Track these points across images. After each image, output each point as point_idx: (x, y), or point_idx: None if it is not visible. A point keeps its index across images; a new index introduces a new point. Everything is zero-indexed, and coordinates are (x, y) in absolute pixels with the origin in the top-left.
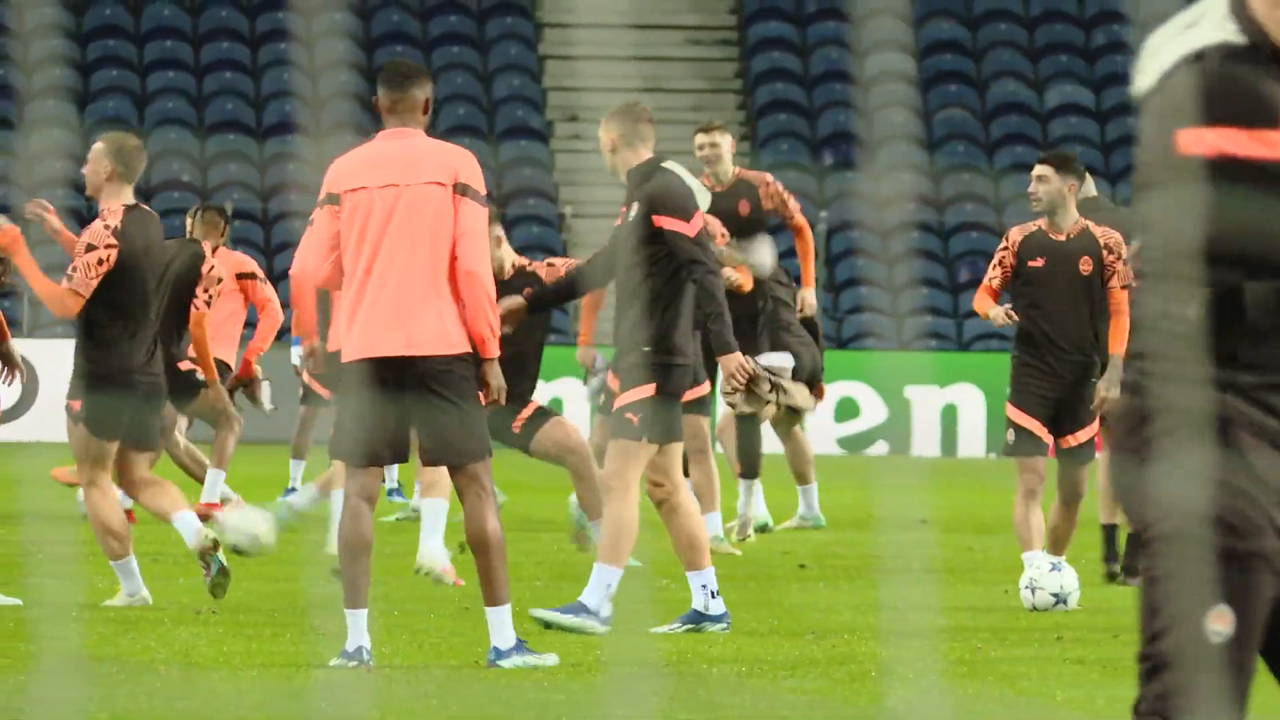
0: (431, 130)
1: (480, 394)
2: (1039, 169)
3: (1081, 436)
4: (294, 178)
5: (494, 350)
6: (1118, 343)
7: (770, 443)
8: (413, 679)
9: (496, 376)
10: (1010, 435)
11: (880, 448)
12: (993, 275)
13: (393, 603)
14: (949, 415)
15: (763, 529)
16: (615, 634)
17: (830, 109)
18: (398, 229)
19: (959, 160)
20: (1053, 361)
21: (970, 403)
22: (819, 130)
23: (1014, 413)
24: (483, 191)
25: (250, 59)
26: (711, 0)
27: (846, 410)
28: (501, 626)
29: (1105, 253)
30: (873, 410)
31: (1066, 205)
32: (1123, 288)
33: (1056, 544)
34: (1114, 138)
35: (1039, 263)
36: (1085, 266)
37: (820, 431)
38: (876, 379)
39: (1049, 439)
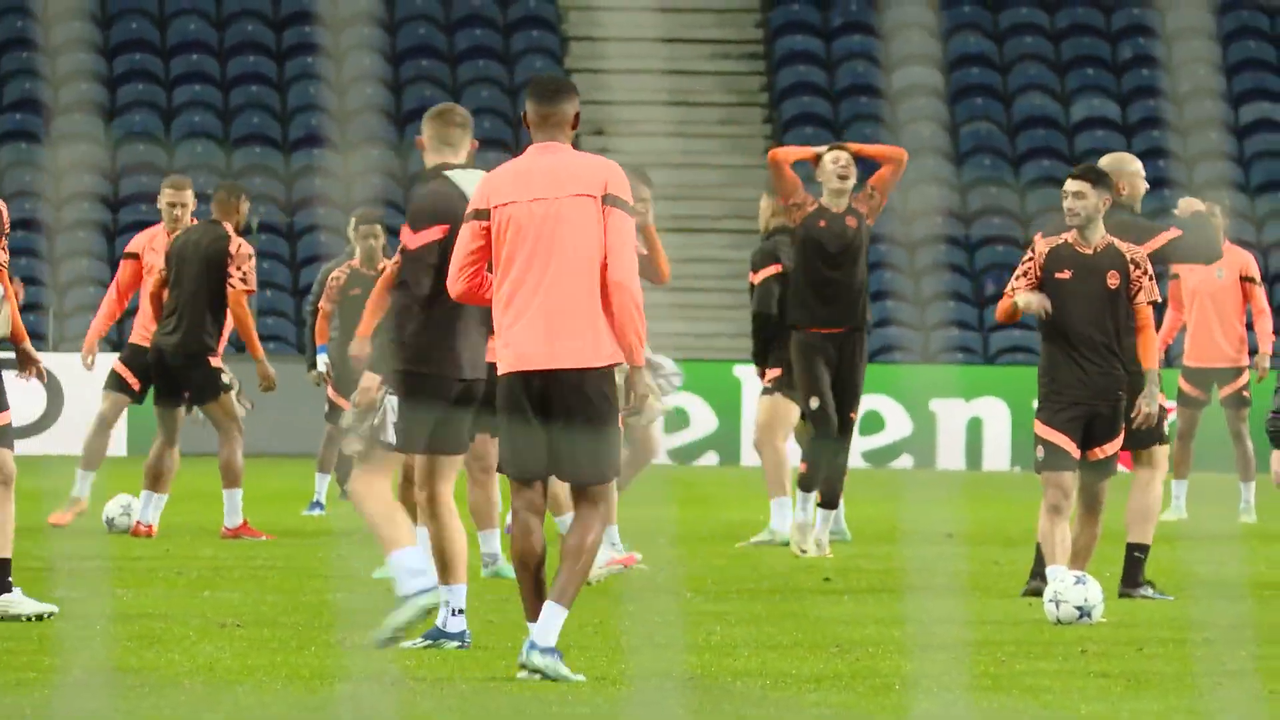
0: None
1: (622, 407)
2: (1075, 185)
3: (1108, 450)
4: (320, 191)
5: (641, 359)
6: (1149, 358)
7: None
8: (437, 692)
9: (642, 384)
10: (1040, 451)
11: (905, 461)
12: (1016, 285)
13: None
14: (974, 429)
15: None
16: (640, 648)
17: (857, 123)
18: (547, 242)
19: (985, 174)
20: (1079, 375)
21: (996, 416)
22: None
23: (1042, 428)
24: (632, 202)
25: (276, 73)
26: (738, 15)
27: (872, 424)
28: (552, 623)
29: (1132, 267)
30: (898, 424)
31: (1097, 220)
32: (1149, 303)
33: (1078, 557)
34: (1140, 150)
35: (1066, 275)
36: (1112, 280)
37: None
38: (902, 392)
39: (1077, 454)
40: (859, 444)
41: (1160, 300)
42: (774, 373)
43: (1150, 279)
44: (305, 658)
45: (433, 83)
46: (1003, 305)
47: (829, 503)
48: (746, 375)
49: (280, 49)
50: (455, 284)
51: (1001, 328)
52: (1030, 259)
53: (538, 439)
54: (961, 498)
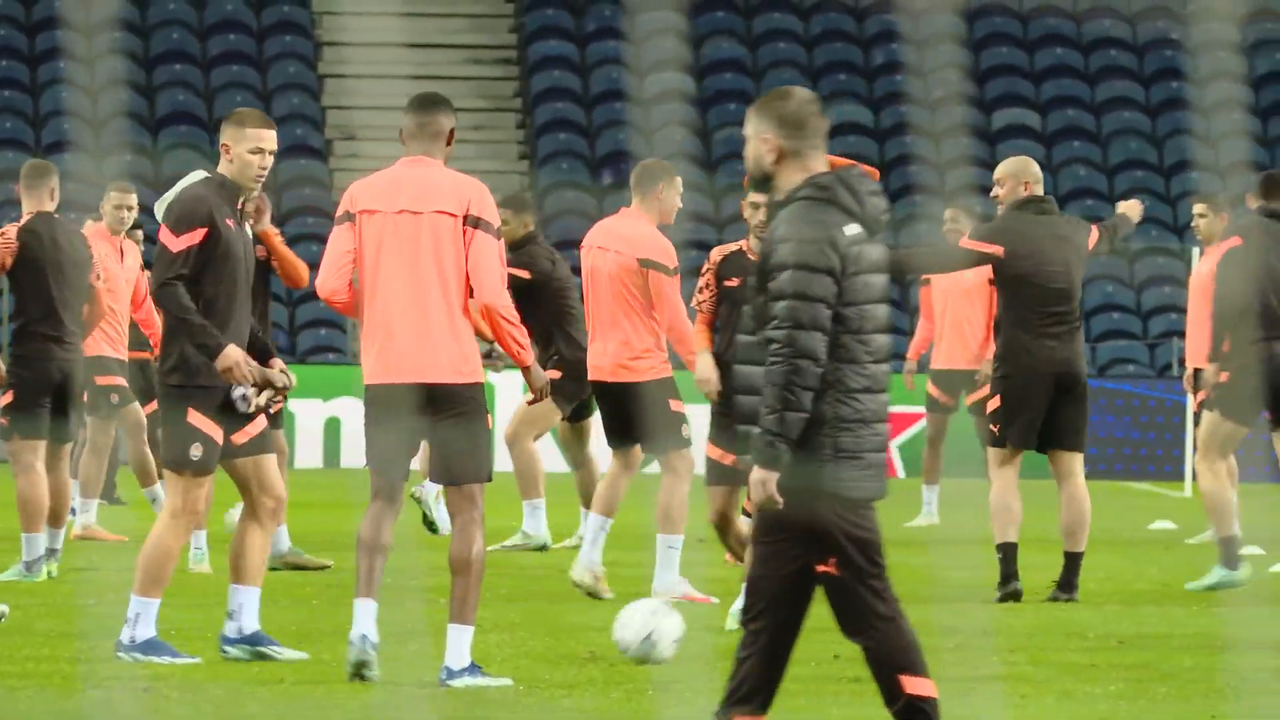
0: (210, 149)
1: (488, 417)
2: (756, 196)
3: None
4: (70, 198)
5: (527, 360)
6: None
7: (551, 461)
8: (190, 698)
9: (539, 378)
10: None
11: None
12: (700, 298)
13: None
14: None
15: (541, 548)
16: (395, 655)
17: (609, 128)
18: (410, 255)
19: (737, 180)
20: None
21: None
22: (598, 149)
23: (712, 448)
24: (496, 224)
25: (29, 78)
26: (492, 20)
27: None
28: (460, 646)
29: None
30: None
31: None
32: None
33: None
34: (891, 156)
35: (734, 282)
36: None
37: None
38: None
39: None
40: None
41: None
42: (551, 374)
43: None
44: (58, 665)
45: (186, 88)
46: (699, 329)
47: None
48: (498, 380)
49: (33, 53)
50: (325, 284)
51: None
52: (708, 268)
53: (402, 445)
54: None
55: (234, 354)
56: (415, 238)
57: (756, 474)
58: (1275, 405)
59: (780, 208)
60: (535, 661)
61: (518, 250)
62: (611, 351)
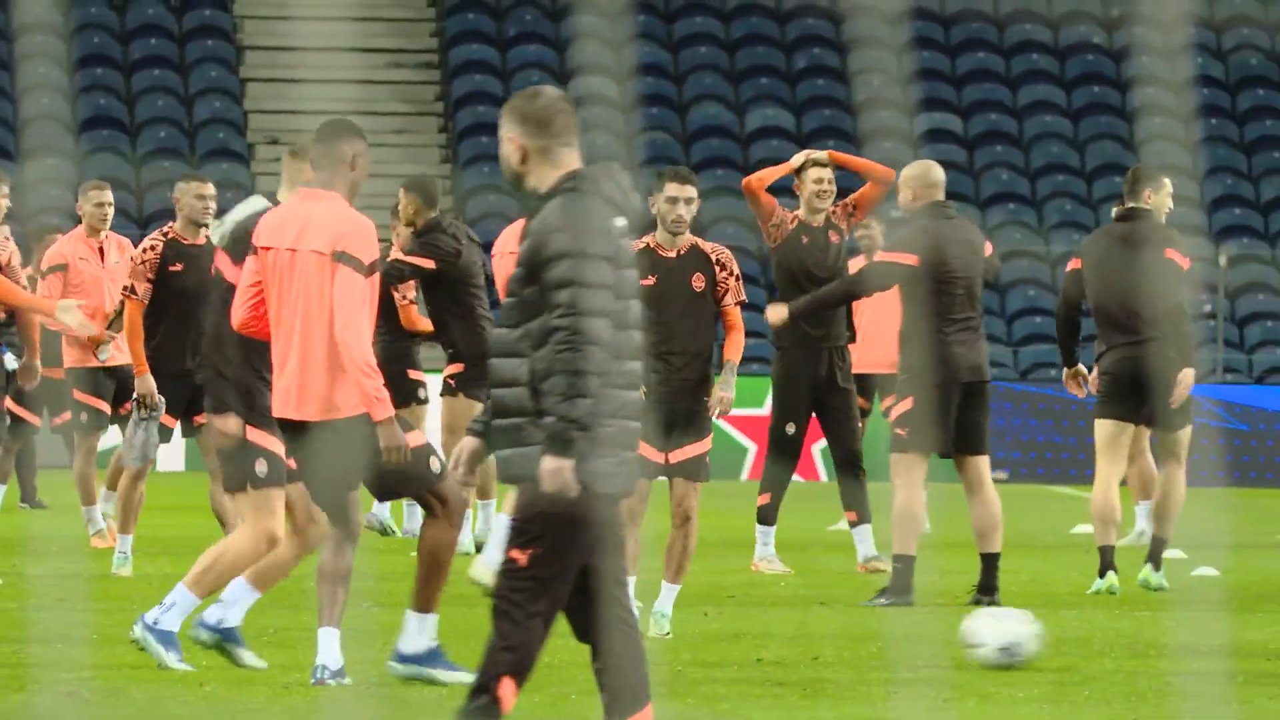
0: (132, 153)
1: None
2: (689, 190)
3: (690, 452)
4: None
5: (377, 413)
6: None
7: None
8: (113, 701)
9: (388, 438)
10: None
11: None
12: None
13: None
14: None
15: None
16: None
17: None
18: (291, 293)
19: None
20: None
21: None
22: None
23: None
24: (365, 261)
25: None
26: (413, 24)
27: None
28: (421, 630)
29: (717, 269)
30: None
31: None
32: (736, 304)
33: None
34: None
35: (650, 282)
36: (697, 283)
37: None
38: None
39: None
40: None
41: (746, 300)
42: (455, 368)
43: (737, 280)
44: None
45: (108, 91)
46: None
47: (863, 519)
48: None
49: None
50: (235, 314)
51: None
52: None
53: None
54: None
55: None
56: (300, 275)
57: (551, 463)
58: (1130, 410)
59: (544, 201)
60: (459, 664)
61: (421, 238)
62: None
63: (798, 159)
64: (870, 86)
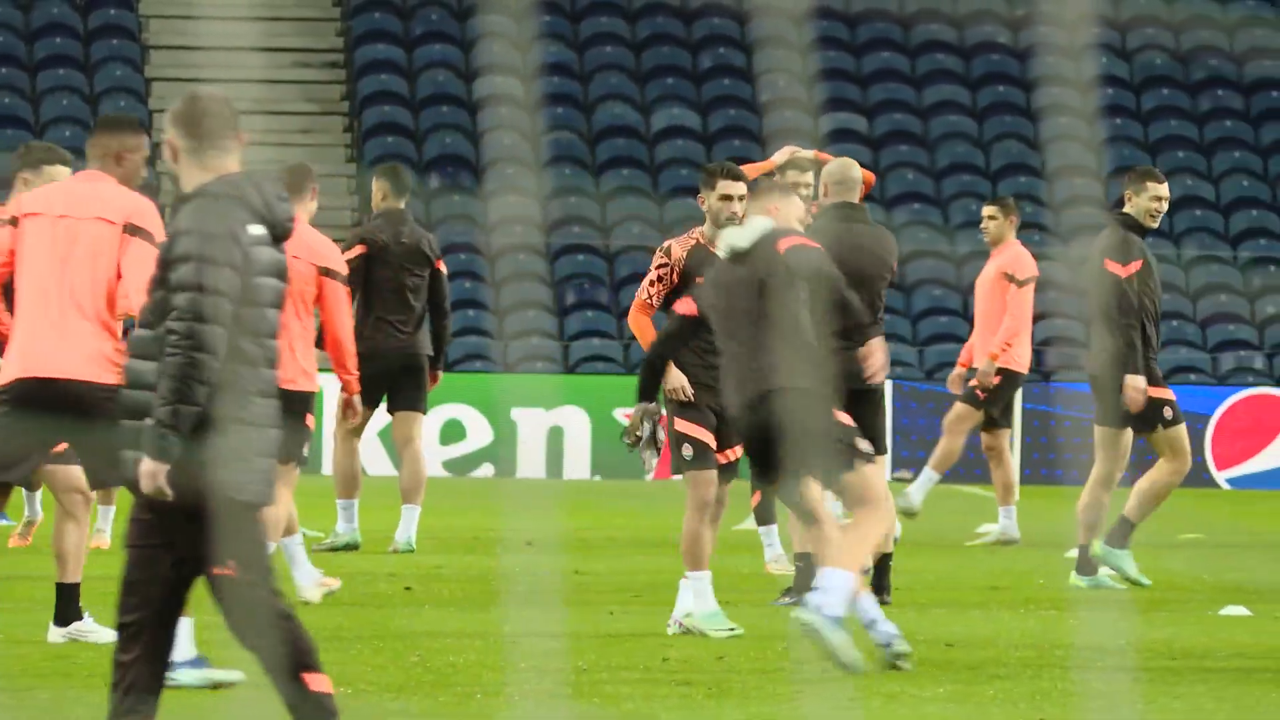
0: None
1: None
2: (740, 187)
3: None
4: None
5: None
6: None
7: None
8: (14, 701)
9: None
10: (687, 450)
11: (487, 470)
12: (653, 290)
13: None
14: (555, 437)
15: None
16: (226, 660)
17: (437, 132)
18: (64, 257)
19: (566, 182)
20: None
21: (576, 425)
22: (425, 153)
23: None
24: (158, 236)
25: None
26: (319, 24)
27: (453, 433)
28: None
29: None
30: (479, 432)
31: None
32: None
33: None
34: (722, 158)
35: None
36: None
37: (426, 454)
38: (483, 401)
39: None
40: (440, 453)
41: None
42: None
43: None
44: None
45: (13, 91)
46: (638, 323)
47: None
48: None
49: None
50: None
51: (580, 336)
52: (665, 261)
53: (21, 441)
54: (543, 506)
55: None
56: (72, 240)
57: (147, 465)
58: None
59: (184, 202)
60: (363, 666)
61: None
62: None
63: (779, 156)
64: (776, 86)
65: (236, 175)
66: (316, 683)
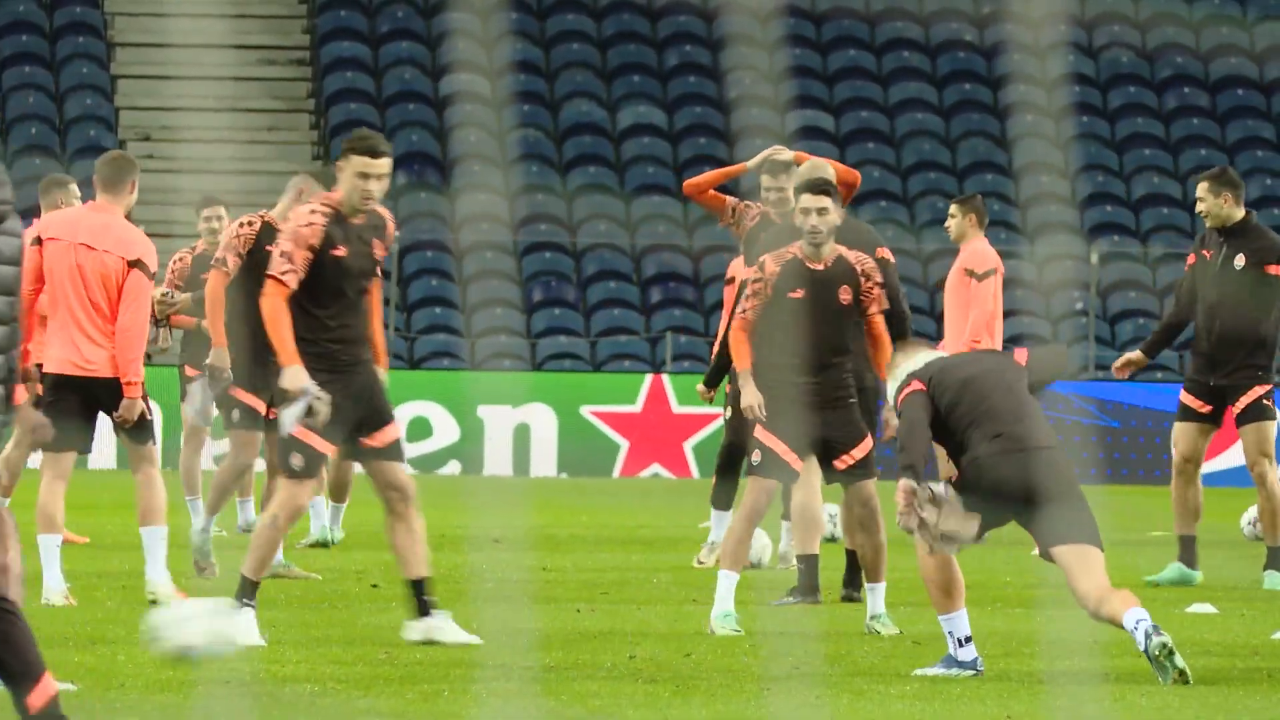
0: (3, 150)
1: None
2: (820, 200)
3: (858, 454)
4: None
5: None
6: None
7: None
8: None
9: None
10: (756, 455)
11: (453, 467)
12: (749, 305)
13: None
14: (521, 434)
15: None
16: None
17: (403, 129)
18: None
19: (533, 180)
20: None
21: (542, 422)
22: (395, 150)
23: (763, 434)
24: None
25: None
26: (285, 21)
27: (419, 430)
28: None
29: (863, 280)
30: (445, 430)
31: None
32: (880, 313)
33: (871, 567)
34: (687, 156)
35: (799, 294)
36: (845, 296)
37: None
38: (449, 398)
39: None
40: (406, 450)
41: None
42: None
43: (880, 288)
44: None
45: None
46: (734, 338)
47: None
48: None
49: None
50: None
51: (547, 334)
52: (760, 279)
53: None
54: (510, 503)
55: None
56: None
57: None
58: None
59: None
60: (331, 663)
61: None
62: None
63: (756, 161)
64: (742, 84)
65: None
66: (51, 687)
